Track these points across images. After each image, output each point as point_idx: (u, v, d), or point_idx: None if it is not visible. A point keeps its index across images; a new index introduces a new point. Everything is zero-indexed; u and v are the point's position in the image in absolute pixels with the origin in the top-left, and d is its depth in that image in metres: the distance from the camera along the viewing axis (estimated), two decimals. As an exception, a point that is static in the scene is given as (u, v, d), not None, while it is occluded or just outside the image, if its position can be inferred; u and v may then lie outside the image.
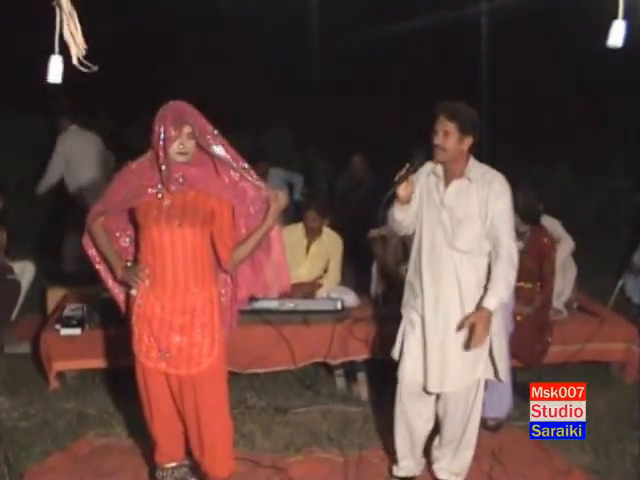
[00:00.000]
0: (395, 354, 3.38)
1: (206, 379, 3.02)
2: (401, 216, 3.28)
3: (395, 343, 3.39)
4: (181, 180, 2.92)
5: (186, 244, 2.95)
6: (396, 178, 3.18)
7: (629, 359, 4.61)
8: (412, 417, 3.34)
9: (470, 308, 3.16)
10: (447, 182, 3.22)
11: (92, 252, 3.15)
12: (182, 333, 2.99)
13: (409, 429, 3.36)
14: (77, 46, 2.20)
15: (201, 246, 2.99)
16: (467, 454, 3.37)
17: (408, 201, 3.24)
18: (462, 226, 3.16)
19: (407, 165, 3.18)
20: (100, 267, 3.17)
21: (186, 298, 2.98)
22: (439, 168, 3.24)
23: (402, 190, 3.18)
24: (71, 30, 2.16)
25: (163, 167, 2.90)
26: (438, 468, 3.43)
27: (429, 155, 3.22)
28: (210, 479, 3.15)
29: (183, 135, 2.88)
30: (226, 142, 2.98)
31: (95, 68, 2.25)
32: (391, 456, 3.54)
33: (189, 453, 3.22)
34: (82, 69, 2.24)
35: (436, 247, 3.21)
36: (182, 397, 3.05)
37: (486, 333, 3.08)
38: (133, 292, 3.02)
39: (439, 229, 3.20)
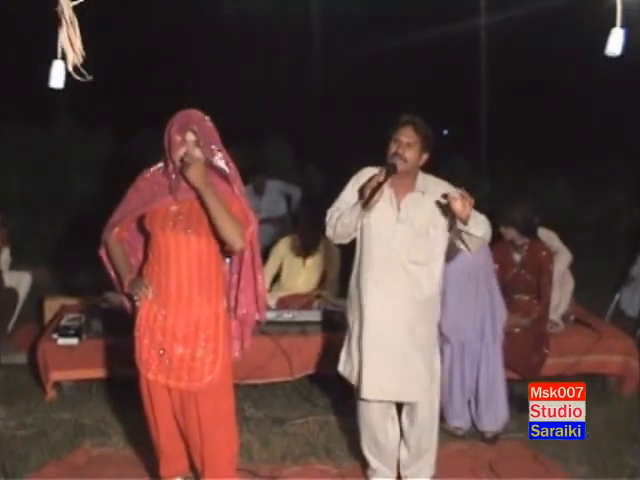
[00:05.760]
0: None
1: (207, 396, 2.96)
2: (359, 223, 3.19)
3: None
4: (189, 188, 2.85)
5: (191, 252, 2.89)
6: (374, 184, 3.03)
7: (627, 372, 4.59)
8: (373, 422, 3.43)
9: (427, 318, 3.23)
10: (398, 196, 3.20)
11: (107, 262, 3.13)
12: (185, 344, 2.92)
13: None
14: (75, 53, 2.20)
15: (207, 256, 2.92)
16: (430, 457, 3.42)
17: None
18: (419, 239, 3.17)
19: (384, 172, 3.05)
20: (113, 277, 3.15)
21: (190, 309, 2.92)
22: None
23: (378, 196, 3.08)
24: (70, 36, 2.15)
25: (172, 176, 2.87)
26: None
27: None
28: None
29: (188, 143, 2.83)
30: (229, 158, 2.93)
31: (90, 77, 2.24)
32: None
33: (193, 467, 3.22)
34: (77, 77, 2.23)
35: (391, 262, 3.18)
36: (183, 411, 3.00)
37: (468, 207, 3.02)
38: (138, 304, 2.99)
39: (395, 244, 3.17)
